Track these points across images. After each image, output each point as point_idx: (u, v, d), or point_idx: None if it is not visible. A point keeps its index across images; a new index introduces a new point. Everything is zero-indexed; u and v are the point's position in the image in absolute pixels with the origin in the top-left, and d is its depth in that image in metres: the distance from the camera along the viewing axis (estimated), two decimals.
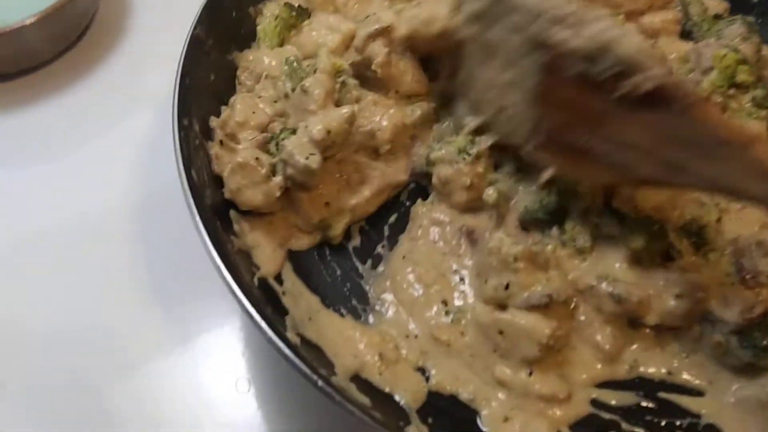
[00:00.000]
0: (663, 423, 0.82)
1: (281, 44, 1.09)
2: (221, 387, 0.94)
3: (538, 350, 0.83)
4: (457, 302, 0.90)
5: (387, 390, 0.83)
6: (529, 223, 0.93)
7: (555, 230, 0.91)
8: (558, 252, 0.90)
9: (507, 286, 0.85)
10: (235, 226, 0.92)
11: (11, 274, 1.05)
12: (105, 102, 1.23)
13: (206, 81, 1.00)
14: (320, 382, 0.74)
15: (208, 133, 0.97)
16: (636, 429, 0.82)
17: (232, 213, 0.92)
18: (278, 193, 0.92)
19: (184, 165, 0.87)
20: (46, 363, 0.96)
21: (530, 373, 0.84)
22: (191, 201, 0.85)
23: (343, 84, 1.00)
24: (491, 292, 0.87)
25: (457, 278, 0.92)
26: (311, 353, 0.82)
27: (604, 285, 0.86)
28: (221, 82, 1.03)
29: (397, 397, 0.83)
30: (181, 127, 0.91)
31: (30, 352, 0.98)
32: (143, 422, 0.92)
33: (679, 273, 0.87)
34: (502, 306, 0.86)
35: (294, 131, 0.94)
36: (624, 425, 0.82)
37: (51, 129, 1.21)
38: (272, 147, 0.95)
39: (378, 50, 1.00)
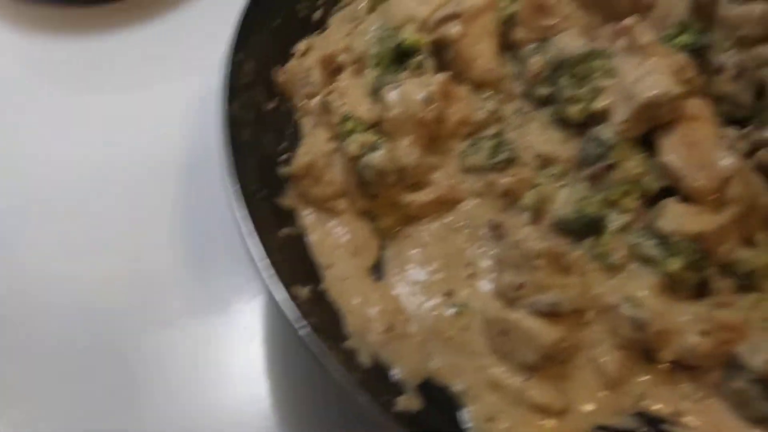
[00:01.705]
0: None
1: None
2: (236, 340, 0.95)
3: (538, 357, 0.79)
4: (463, 296, 0.86)
5: (386, 361, 0.81)
6: (563, 231, 0.88)
7: (589, 242, 0.86)
8: (587, 265, 0.85)
9: (520, 286, 0.81)
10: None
11: (46, 209, 1.05)
12: (179, 45, 1.22)
13: (270, 24, 0.99)
14: (302, 332, 0.72)
15: (263, 81, 0.97)
16: None
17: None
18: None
19: (229, 94, 0.87)
20: (66, 308, 0.97)
21: (527, 379, 0.80)
22: (226, 132, 0.84)
23: (419, 65, 0.98)
24: (504, 288, 0.82)
25: (468, 271, 0.87)
26: (319, 310, 0.81)
27: (626, 307, 0.80)
28: (287, 29, 1.02)
29: (395, 371, 0.80)
30: (234, 60, 0.90)
31: (47, 295, 0.98)
32: (156, 373, 0.93)
33: (709, 309, 0.80)
34: (513, 305, 0.82)
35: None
36: None
37: (118, 61, 1.22)
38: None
39: (452, 30, 0.97)
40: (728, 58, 0.92)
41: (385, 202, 0.91)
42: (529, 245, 0.81)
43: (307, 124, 0.98)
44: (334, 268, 0.88)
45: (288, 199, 0.92)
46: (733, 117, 0.91)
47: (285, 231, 0.88)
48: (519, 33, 0.99)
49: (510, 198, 0.91)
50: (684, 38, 0.89)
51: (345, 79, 0.99)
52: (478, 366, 0.81)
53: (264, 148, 0.94)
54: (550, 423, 0.78)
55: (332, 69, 1.01)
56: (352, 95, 0.97)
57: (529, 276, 0.81)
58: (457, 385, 0.80)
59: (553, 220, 0.88)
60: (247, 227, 0.78)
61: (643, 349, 0.80)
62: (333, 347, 0.74)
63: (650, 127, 0.87)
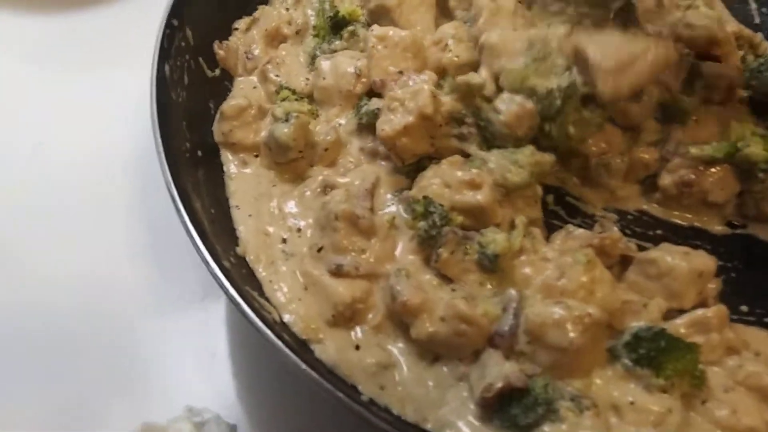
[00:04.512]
0: None
1: None
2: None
3: (331, 315, 0.81)
4: (291, 247, 0.88)
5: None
6: None
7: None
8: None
9: (320, 248, 0.85)
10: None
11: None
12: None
13: None
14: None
15: (205, 50, 1.02)
16: None
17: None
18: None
19: (159, 56, 0.92)
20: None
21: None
22: (154, 93, 0.88)
23: (352, 34, 1.02)
24: (311, 247, 0.86)
25: (297, 224, 0.90)
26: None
27: (394, 276, 0.80)
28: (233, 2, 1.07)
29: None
30: (169, 25, 0.96)
31: None
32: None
33: (455, 295, 0.79)
34: (320, 261, 0.85)
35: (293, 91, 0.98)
36: None
37: (83, 40, 1.25)
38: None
39: None
40: None
41: (289, 170, 0.94)
42: (331, 207, 0.85)
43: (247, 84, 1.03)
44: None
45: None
46: None
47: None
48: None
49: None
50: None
51: (285, 49, 1.05)
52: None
53: (204, 112, 0.99)
54: None
55: (276, 41, 1.06)
56: (290, 65, 1.03)
57: (329, 238, 0.84)
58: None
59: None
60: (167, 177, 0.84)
61: (401, 322, 0.80)
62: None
63: None
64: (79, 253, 1.02)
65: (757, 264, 0.90)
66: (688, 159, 0.92)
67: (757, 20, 1.10)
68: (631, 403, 0.73)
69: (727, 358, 0.78)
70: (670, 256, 0.82)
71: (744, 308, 0.85)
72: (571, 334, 0.73)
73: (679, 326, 0.78)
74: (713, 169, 0.92)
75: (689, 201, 0.93)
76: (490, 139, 0.89)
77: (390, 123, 0.87)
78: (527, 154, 0.87)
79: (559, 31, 0.88)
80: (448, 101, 0.89)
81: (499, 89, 0.90)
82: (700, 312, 0.78)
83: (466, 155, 0.89)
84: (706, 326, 0.77)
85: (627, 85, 0.86)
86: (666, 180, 0.93)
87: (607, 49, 0.85)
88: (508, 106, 0.87)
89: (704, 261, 0.83)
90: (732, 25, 1.03)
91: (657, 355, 0.74)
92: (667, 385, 0.73)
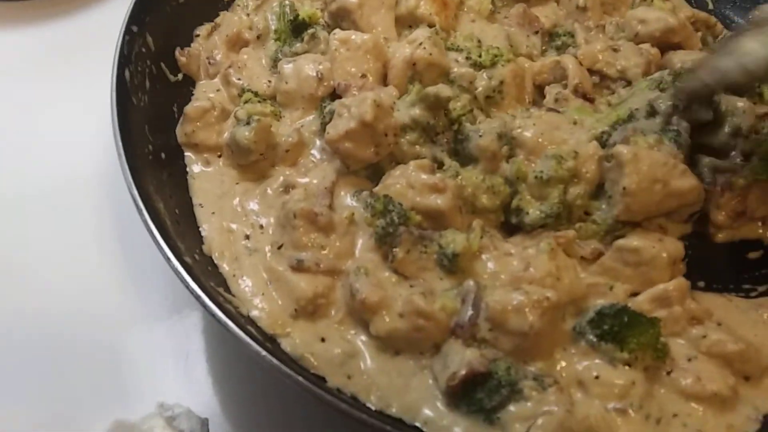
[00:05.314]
0: None
1: None
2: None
3: (294, 308, 0.82)
4: (254, 243, 0.88)
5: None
6: None
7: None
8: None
9: (280, 246, 0.85)
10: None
11: None
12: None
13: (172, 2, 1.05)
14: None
15: (167, 56, 1.02)
16: None
17: None
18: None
19: (119, 62, 0.93)
20: None
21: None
22: (114, 98, 0.89)
23: (312, 36, 1.02)
24: (272, 245, 0.87)
25: (260, 221, 0.90)
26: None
27: (353, 274, 0.81)
28: (193, 8, 1.07)
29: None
30: (128, 32, 0.97)
31: None
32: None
33: (413, 292, 0.79)
34: (281, 257, 0.85)
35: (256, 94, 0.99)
36: None
37: (43, 53, 1.25)
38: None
39: None
40: None
41: (252, 170, 0.95)
42: (290, 206, 0.85)
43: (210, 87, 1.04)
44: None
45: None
46: None
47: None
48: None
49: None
50: None
51: (246, 53, 1.05)
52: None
53: (167, 115, 0.99)
54: None
55: (237, 46, 1.06)
56: (251, 68, 1.03)
57: (289, 236, 0.84)
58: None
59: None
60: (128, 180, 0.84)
61: (361, 319, 0.80)
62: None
63: None
64: (51, 258, 1.02)
65: (712, 241, 0.90)
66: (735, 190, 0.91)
67: (711, 6, 1.13)
68: (596, 377, 0.74)
69: (691, 328, 0.79)
70: (651, 244, 0.82)
71: (701, 284, 0.87)
72: (530, 317, 0.74)
73: (641, 302, 0.79)
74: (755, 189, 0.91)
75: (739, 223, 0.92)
76: (460, 153, 0.90)
77: (335, 127, 0.88)
78: (503, 182, 0.88)
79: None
80: (415, 111, 0.90)
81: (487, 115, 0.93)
82: (661, 287, 0.79)
83: (440, 164, 0.90)
84: (668, 300, 0.79)
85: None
86: (719, 216, 0.91)
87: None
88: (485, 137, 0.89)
89: (676, 246, 0.84)
90: (686, 11, 1.05)
91: (620, 330, 0.75)
92: (631, 359, 0.74)
